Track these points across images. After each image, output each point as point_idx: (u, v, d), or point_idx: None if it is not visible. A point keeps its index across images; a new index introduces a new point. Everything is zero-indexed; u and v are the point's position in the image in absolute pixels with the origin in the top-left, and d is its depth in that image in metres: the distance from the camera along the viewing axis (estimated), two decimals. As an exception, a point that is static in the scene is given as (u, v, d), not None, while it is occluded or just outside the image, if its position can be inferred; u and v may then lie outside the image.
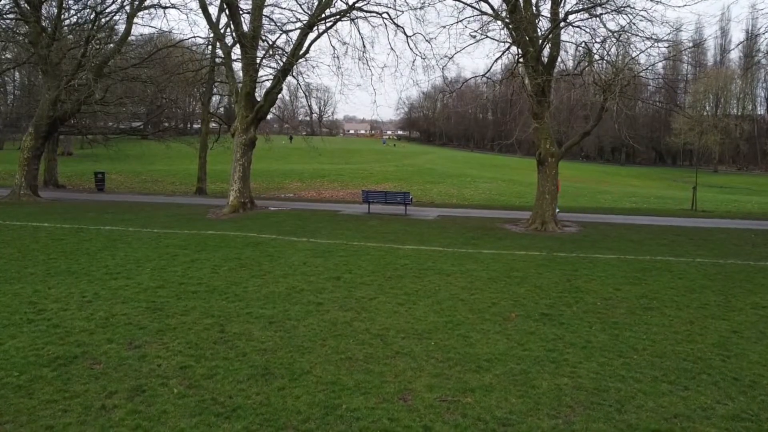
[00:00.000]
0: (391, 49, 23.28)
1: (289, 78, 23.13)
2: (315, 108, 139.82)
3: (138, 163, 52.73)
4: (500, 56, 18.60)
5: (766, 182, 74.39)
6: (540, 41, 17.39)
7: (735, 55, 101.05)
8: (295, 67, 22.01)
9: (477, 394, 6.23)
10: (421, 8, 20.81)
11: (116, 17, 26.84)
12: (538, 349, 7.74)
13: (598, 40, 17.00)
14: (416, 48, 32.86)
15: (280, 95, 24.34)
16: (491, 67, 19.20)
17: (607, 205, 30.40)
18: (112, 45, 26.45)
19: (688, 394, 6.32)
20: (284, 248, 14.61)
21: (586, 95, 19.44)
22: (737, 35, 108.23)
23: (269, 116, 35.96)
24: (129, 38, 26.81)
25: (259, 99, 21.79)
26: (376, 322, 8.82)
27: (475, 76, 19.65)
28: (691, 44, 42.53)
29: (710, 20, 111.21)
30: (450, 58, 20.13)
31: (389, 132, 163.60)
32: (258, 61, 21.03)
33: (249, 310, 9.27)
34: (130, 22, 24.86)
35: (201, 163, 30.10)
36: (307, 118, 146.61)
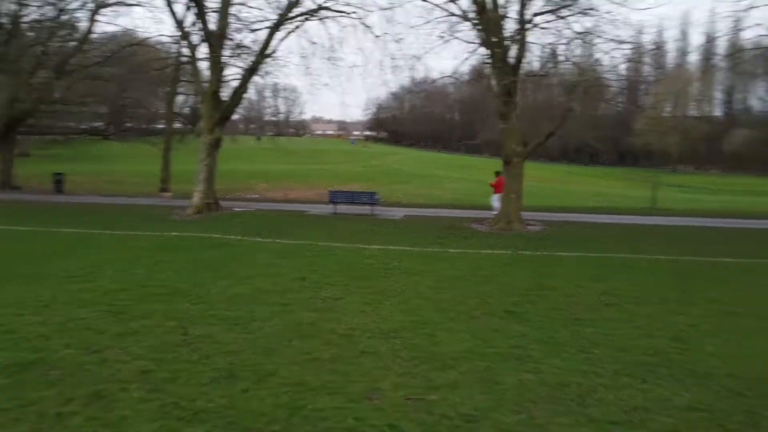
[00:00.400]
0: (360, 49, 23.25)
1: (256, 77, 22.94)
2: (282, 108, 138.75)
3: (100, 164, 51.60)
4: (468, 57, 18.79)
5: (723, 182, 76.87)
6: (507, 42, 17.60)
7: (694, 57, 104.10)
8: (262, 66, 21.83)
9: (442, 391, 6.26)
10: (389, 9, 20.87)
11: (78, 14, 26.19)
12: (503, 346, 7.82)
13: (563, 41, 17.31)
14: (385, 48, 32.93)
15: (246, 95, 24.11)
16: (459, 68, 19.34)
17: (571, 204, 30.94)
18: (74, 43, 25.77)
19: (647, 387, 6.46)
20: (249, 249, 14.46)
21: (552, 96, 19.74)
22: (696, 38, 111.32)
23: (236, 116, 35.57)
24: (92, 36, 26.19)
25: (225, 99, 21.51)
26: (343, 322, 8.78)
27: (443, 77, 19.83)
28: (652, 47, 43.46)
29: (671, 23, 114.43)
30: (418, 59, 20.24)
31: (357, 133, 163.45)
32: (225, 60, 20.77)
33: (213, 312, 9.13)
34: (92, 20, 24.34)
35: (165, 163, 29.58)
36: (274, 118, 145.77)
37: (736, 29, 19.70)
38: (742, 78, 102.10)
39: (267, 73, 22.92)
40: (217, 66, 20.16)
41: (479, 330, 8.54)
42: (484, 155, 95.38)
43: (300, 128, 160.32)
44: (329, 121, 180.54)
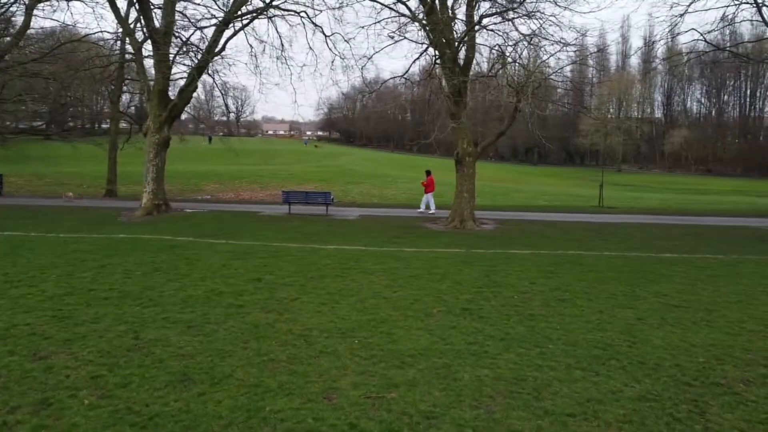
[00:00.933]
0: (310, 48, 23.12)
1: (204, 76, 22.50)
2: (232, 107, 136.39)
3: (42, 165, 49.43)
4: (418, 57, 18.94)
5: (665, 180, 79.92)
6: (456, 43, 17.82)
7: (635, 60, 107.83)
8: (211, 65, 21.42)
9: (401, 389, 6.28)
10: (339, 8, 20.79)
11: (13, 8, 25.09)
12: (460, 342, 7.91)
13: (510, 43, 17.66)
14: (335, 48, 32.87)
15: (195, 94, 23.62)
16: (409, 68, 19.44)
17: (522, 203, 31.57)
18: (8, 38, 24.64)
19: (599, 379, 6.65)
20: (202, 251, 14.16)
21: (501, 97, 20.10)
22: (636, 42, 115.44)
23: (184, 116, 34.79)
24: (29, 32, 25.11)
25: (172, 97, 21.01)
26: (299, 323, 8.72)
27: (394, 77, 19.90)
28: (596, 49, 44.93)
29: (613, 26, 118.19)
30: (369, 59, 20.22)
31: (309, 133, 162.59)
32: (171, 58, 20.27)
33: (165, 315, 8.91)
34: (29, 14, 23.27)
35: (111, 164, 28.65)
36: (224, 118, 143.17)
37: (673, 34, 20.46)
38: (679, 81, 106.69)
39: (216, 71, 22.54)
40: (163, 64, 19.65)
41: (436, 327, 8.62)
42: (435, 155, 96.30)
43: (251, 128, 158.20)
44: (281, 121, 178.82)
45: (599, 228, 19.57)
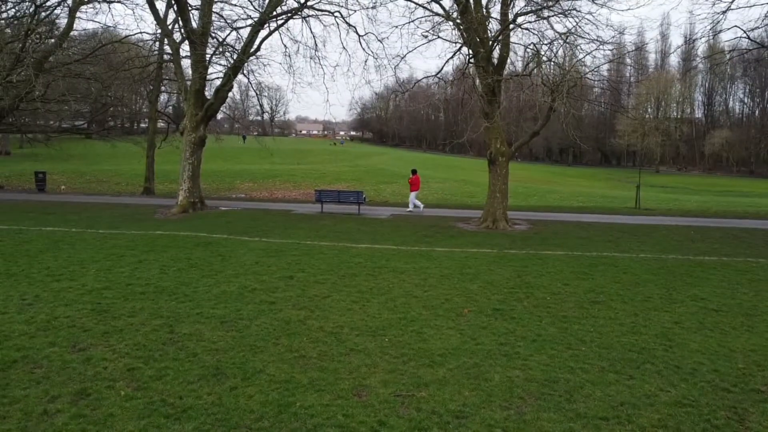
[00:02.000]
0: (344, 48, 23.21)
1: (239, 76, 22.83)
2: (267, 107, 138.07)
3: (82, 163, 51.00)
4: (452, 57, 18.85)
5: (704, 182, 77.84)
6: (490, 42, 17.68)
7: (674, 59, 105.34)
8: (246, 65, 21.71)
9: (431, 388, 6.27)
10: (373, 8, 20.92)
11: (57, 11, 25.85)
12: (491, 343, 7.85)
13: (546, 41, 17.42)
14: (368, 48, 32.99)
15: (230, 94, 24.01)
16: (443, 68, 19.42)
17: (556, 204, 31.16)
18: (53, 40, 25.41)
19: (634, 383, 6.53)
20: (236, 248, 14.37)
21: (535, 96, 19.85)
22: (677, 40, 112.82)
23: (220, 116, 35.33)
24: (72, 33, 25.85)
25: (209, 97, 21.37)
26: (330, 320, 8.78)
27: (427, 77, 19.83)
28: (633, 48, 43.79)
29: (652, 24, 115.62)
30: (402, 58, 20.24)
31: (342, 132, 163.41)
32: (208, 59, 20.62)
33: (199, 311, 9.07)
34: (72, 16, 23.99)
35: (149, 162, 29.30)
36: (259, 118, 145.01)
37: (714, 32, 19.85)
38: (721, 80, 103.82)
39: (251, 71, 22.84)
40: (200, 64, 20.00)
41: (467, 327, 8.57)
42: (468, 155, 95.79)
43: (285, 128, 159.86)
44: (315, 121, 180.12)
45: (635, 230, 19.17)
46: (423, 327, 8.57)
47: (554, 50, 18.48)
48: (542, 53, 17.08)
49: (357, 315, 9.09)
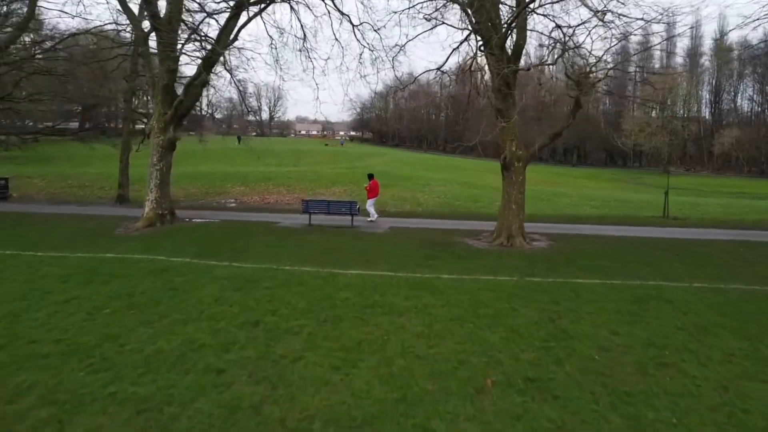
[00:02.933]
0: (336, 39, 20.52)
1: (223, 71, 20.22)
2: (255, 105, 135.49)
3: (68, 166, 48.37)
4: (458, 46, 16.09)
5: (715, 183, 75.17)
6: (505, 26, 14.99)
7: (680, 57, 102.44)
8: (227, 59, 19.01)
9: None
10: (368, -8, 18.16)
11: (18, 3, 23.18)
12: (534, 457, 5.21)
13: (572, 25, 14.65)
14: (363, 38, 30.20)
15: (228, 93, 21.40)
16: (448, 59, 16.72)
17: (568, 210, 28.48)
18: (10, 29, 22.73)
19: None
20: (196, 277, 11.68)
21: (554, 91, 17.15)
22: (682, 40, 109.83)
23: (218, 115, 32.62)
24: (34, 24, 23.15)
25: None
26: (297, 404, 6.16)
27: (429, 70, 17.12)
28: (670, 35, 39.61)
29: (684, 10, 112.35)
30: (401, 48, 17.50)
31: (342, 133, 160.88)
32: (179, 49, 17.87)
33: (115, 388, 6.44)
34: (33, 4, 21.30)
35: (123, 166, 26.59)
36: (256, 118, 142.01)
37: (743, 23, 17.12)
38: (729, 77, 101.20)
39: (235, 67, 20.19)
40: (168, 55, 17.25)
41: (493, 416, 5.93)
42: (471, 156, 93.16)
43: (284, 128, 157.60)
44: (314, 121, 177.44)
45: (672, 246, 16.44)
46: (430, 415, 5.96)
47: (576, 40, 15.74)
48: (567, 38, 14.31)
49: (337, 393, 6.46)
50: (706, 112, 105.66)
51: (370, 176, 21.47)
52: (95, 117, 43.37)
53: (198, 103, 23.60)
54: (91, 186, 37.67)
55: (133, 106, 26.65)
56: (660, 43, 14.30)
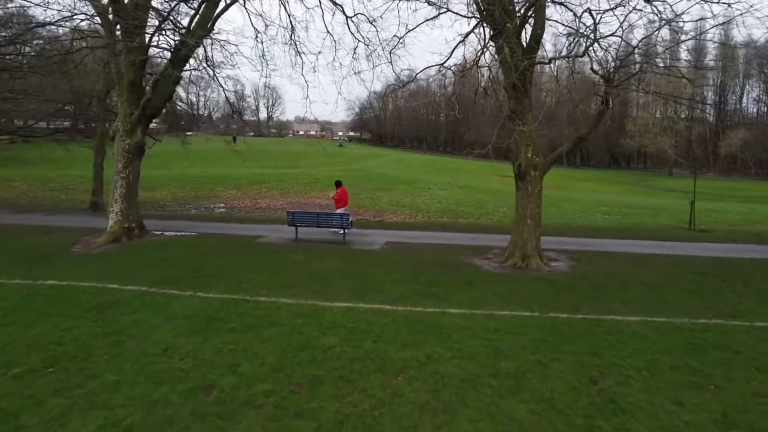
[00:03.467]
0: (328, 32, 18.41)
1: (232, 73, 18.14)
2: (251, 105, 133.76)
3: (53, 167, 46.34)
4: (466, 36, 13.96)
5: (723, 186, 72.88)
6: (519, 12, 12.88)
7: (684, 55, 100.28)
8: (209, 54, 16.89)
9: None
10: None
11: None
12: None
13: (599, 11, 12.51)
14: (358, 31, 28.00)
15: (225, 93, 19.28)
16: (453, 51, 14.53)
17: (578, 217, 26.41)
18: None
19: None
20: (148, 315, 9.54)
21: (575, 88, 15.07)
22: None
23: (216, 115, 30.38)
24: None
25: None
26: None
27: (431, 66, 15.00)
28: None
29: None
30: (400, 39, 15.31)
31: (340, 133, 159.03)
32: (147, 40, 15.70)
33: None
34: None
35: (96, 171, 24.45)
36: (254, 119, 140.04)
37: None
38: (734, 77, 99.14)
39: (218, 63, 18.05)
40: (132, 48, 15.05)
41: None
42: (470, 157, 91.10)
43: (282, 129, 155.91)
44: (314, 122, 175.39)
45: (716, 269, 14.13)
46: None
47: (599, 33, 13.61)
48: (595, 23, 12.12)
49: None
50: (711, 113, 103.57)
51: (338, 183, 19.10)
52: (74, 116, 41.18)
53: (195, 103, 21.54)
54: (74, 189, 35.58)
55: (108, 106, 24.36)
56: (713, 27, 11.86)
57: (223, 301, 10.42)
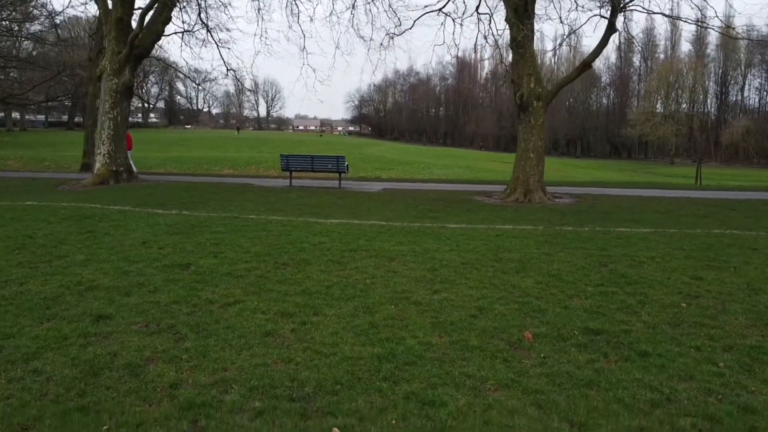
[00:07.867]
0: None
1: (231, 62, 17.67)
2: (263, 103, 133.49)
3: (50, 150, 45.74)
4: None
5: (725, 173, 72.11)
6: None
7: (685, 45, 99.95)
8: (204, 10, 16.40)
9: None
10: None
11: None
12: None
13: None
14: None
15: (225, 87, 18.87)
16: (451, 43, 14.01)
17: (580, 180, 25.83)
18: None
19: None
20: (127, 223, 8.98)
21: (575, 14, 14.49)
22: (688, 26, 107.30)
23: (216, 110, 29.79)
24: None
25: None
26: (209, 362, 3.54)
27: (431, 11, 14.38)
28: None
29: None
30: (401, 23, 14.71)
31: (341, 128, 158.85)
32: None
33: None
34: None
35: (88, 132, 23.83)
36: (254, 113, 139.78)
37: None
38: (736, 67, 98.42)
39: (214, 28, 17.48)
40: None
41: (546, 383, 3.30)
42: (470, 148, 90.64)
43: (282, 124, 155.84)
44: (314, 118, 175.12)
45: (726, 203, 13.51)
46: (435, 381, 3.32)
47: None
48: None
49: (280, 349, 3.86)
50: (712, 103, 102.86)
51: None
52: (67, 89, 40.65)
53: (195, 97, 20.95)
54: (68, 168, 35.12)
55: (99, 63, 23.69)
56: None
57: (209, 216, 9.86)
